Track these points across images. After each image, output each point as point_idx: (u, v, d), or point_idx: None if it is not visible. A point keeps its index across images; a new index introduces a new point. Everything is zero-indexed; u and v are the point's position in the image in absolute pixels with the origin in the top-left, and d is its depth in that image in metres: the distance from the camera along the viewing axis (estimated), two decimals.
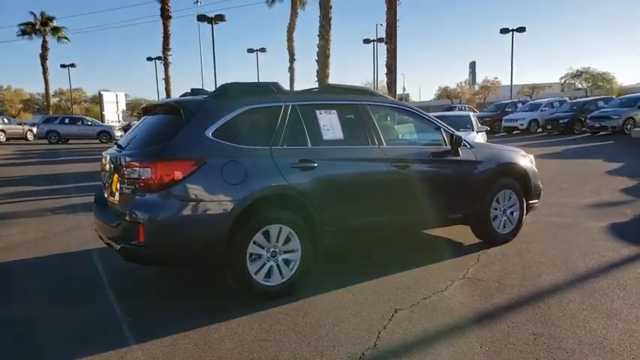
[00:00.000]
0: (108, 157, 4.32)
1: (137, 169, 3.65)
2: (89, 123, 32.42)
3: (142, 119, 4.63)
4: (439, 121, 5.18)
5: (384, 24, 15.36)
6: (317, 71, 17.43)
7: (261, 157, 3.92)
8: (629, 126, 21.78)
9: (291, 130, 4.15)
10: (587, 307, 3.65)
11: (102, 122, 35.68)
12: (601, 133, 22.34)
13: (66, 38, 48.71)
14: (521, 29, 33.84)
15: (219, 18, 28.52)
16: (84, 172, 14.00)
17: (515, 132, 26.35)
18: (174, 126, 3.84)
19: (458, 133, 5.00)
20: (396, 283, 4.26)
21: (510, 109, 29.65)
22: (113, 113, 44.67)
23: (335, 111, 4.44)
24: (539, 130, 26.04)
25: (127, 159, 3.78)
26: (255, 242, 3.86)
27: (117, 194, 3.95)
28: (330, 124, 4.36)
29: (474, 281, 4.29)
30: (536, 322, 3.43)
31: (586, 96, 39.60)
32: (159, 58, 43.24)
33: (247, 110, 4.04)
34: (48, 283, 4.62)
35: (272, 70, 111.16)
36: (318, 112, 4.35)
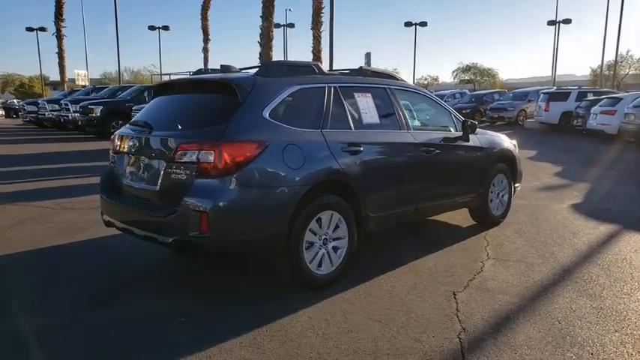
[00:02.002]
0: (130, 139, 3.84)
1: (195, 151, 3.28)
2: None
3: (160, 96, 4.17)
4: (450, 107, 5.31)
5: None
6: (260, 53, 16.94)
7: (315, 140, 3.74)
8: (521, 117, 24.07)
9: (335, 113, 4.01)
10: (618, 280, 4.00)
11: None
12: (498, 123, 24.34)
13: None
14: (424, 23, 35.61)
15: None
16: None
17: None
18: (228, 105, 3.50)
19: (471, 120, 5.17)
20: (430, 267, 4.32)
21: None
22: None
23: (370, 94, 4.36)
24: None
25: (178, 140, 3.38)
26: (310, 229, 3.69)
27: (157, 180, 3.52)
28: (367, 108, 4.27)
29: (500, 261, 4.48)
30: (587, 296, 3.68)
31: (474, 89, 42.86)
32: (41, 29, 39.31)
33: (296, 91, 3.81)
34: (54, 286, 4.02)
35: (177, 51, 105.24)
36: (356, 94, 4.24)
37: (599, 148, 14.11)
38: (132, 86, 20.98)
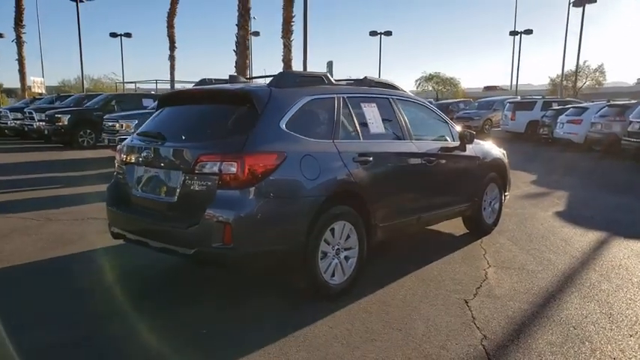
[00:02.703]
0: (141, 150, 3.75)
1: (216, 162, 3.24)
2: None
3: (168, 107, 4.09)
4: (446, 117, 5.41)
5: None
6: (236, 62, 16.86)
7: (328, 151, 3.75)
8: (487, 126, 24.66)
9: (345, 123, 4.04)
10: (620, 287, 4.13)
11: None
12: None
13: None
14: (389, 33, 36.19)
15: None
16: None
17: None
18: (246, 116, 3.48)
19: (469, 130, 5.28)
20: (436, 275, 4.37)
21: None
22: None
23: (375, 104, 4.40)
24: None
25: (197, 152, 3.33)
26: (324, 240, 3.69)
27: (175, 191, 3.45)
28: (373, 118, 4.32)
29: (501, 269, 4.57)
30: (595, 302, 3.79)
31: (437, 98, 43.72)
32: None
33: (309, 101, 3.82)
34: (60, 299, 3.86)
35: (141, 58, 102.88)
36: (363, 105, 4.28)
37: (567, 156, 14.63)
38: (98, 95, 20.48)
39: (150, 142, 3.76)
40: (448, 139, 5.24)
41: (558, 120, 17.01)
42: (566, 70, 37.33)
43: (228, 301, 3.80)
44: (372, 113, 4.31)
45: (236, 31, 16.99)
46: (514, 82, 43.86)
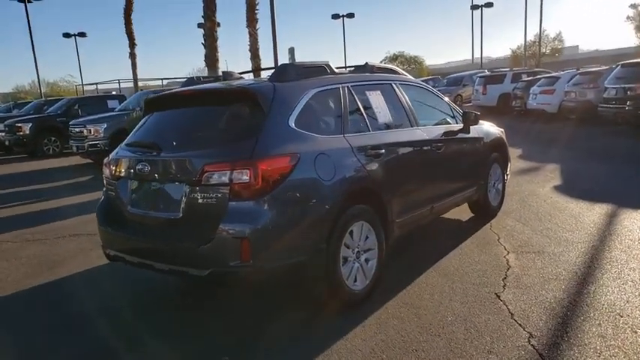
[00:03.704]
0: (134, 162, 3.35)
1: (226, 172, 2.89)
2: None
3: (157, 112, 3.69)
4: (446, 98, 5.16)
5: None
6: (205, 55, 16.16)
7: (341, 147, 3.44)
8: (458, 102, 24.65)
9: (353, 115, 3.74)
10: None
11: None
12: None
13: None
14: (351, 15, 35.78)
15: None
16: None
17: None
18: (251, 116, 3.14)
19: (474, 112, 5.04)
20: (457, 267, 4.14)
21: None
22: None
23: (379, 91, 4.11)
24: None
25: (202, 161, 2.97)
26: (344, 244, 3.39)
27: (179, 206, 3.08)
28: (380, 106, 4.02)
29: (522, 254, 4.36)
30: (631, 284, 3.60)
31: None
32: None
33: (315, 94, 3.50)
34: (64, 332, 3.47)
35: (99, 58, 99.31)
36: (368, 93, 3.98)
37: (543, 127, 14.67)
38: (59, 99, 19.62)
39: (143, 153, 3.36)
40: (451, 121, 5.00)
41: (530, 91, 17.03)
42: (525, 40, 37.67)
43: (246, 320, 3.47)
44: (377, 102, 4.02)
45: (202, 23, 16.33)
46: (477, 56, 44.07)
